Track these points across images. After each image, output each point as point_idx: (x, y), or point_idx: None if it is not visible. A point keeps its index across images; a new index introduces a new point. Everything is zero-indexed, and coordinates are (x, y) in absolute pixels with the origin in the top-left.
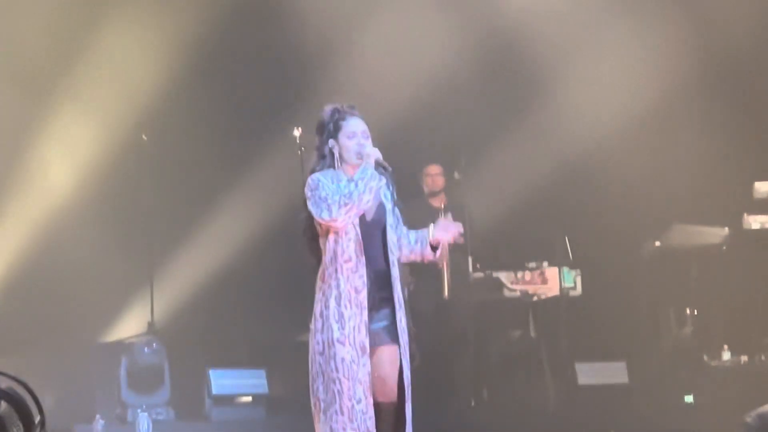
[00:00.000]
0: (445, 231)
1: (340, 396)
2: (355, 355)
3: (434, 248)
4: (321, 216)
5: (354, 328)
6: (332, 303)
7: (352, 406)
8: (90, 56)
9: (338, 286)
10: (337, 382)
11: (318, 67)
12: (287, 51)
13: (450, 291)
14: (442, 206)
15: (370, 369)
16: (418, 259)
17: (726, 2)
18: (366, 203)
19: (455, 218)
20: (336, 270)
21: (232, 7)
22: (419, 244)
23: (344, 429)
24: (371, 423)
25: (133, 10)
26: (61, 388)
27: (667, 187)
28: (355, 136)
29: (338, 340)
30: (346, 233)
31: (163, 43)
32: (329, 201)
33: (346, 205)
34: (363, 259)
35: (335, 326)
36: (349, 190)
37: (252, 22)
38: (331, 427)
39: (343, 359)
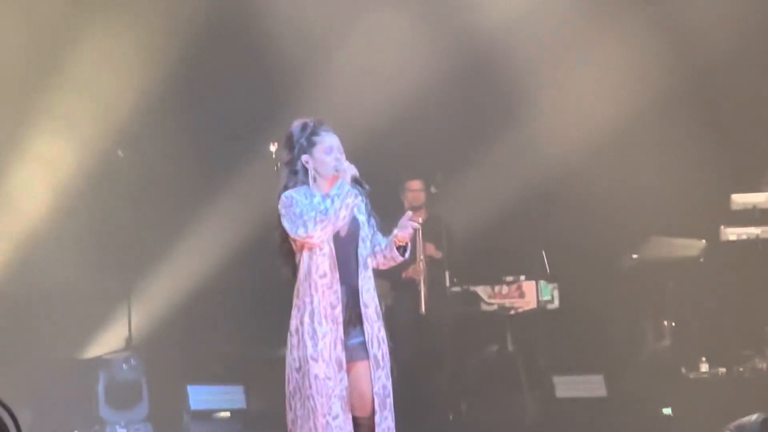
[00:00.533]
0: (404, 227)
1: (313, 413)
2: (330, 371)
3: (401, 249)
4: (297, 233)
5: (330, 343)
6: (306, 319)
7: (327, 422)
8: (66, 73)
9: (312, 302)
10: (310, 399)
11: (294, 82)
12: (262, 66)
13: (427, 306)
14: (421, 221)
15: (347, 384)
16: (392, 263)
17: (704, 16)
18: (342, 219)
19: (432, 232)
20: (310, 286)
21: (207, 23)
22: (388, 248)
23: None
24: None
25: (109, 27)
26: (39, 405)
27: (644, 199)
28: (332, 151)
29: (311, 357)
30: (321, 249)
31: (139, 59)
32: (305, 217)
33: (322, 221)
34: (337, 275)
35: (309, 343)
36: (325, 207)
37: (228, 37)
38: None
39: (316, 376)
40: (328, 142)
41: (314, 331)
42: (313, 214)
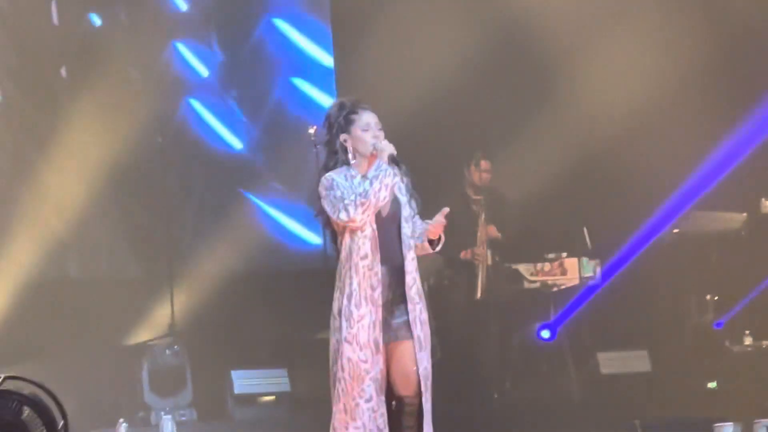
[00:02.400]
0: (438, 221)
1: (344, 395)
2: (365, 353)
3: (433, 243)
4: (339, 217)
5: (368, 326)
6: (344, 301)
7: (356, 405)
8: (101, 62)
9: (351, 284)
10: (342, 381)
11: (336, 64)
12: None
13: (483, 290)
14: (483, 201)
15: (383, 366)
16: (424, 252)
17: None
18: (383, 200)
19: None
20: (351, 268)
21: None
22: (421, 238)
23: (346, 428)
24: (382, 421)
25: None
26: (84, 393)
27: (685, 173)
28: (370, 128)
29: (345, 339)
30: (362, 231)
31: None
32: (346, 201)
33: (362, 204)
34: (378, 256)
35: (345, 325)
36: (364, 189)
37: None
38: (333, 426)
39: (349, 359)
40: (365, 119)
41: (350, 313)
42: (353, 197)
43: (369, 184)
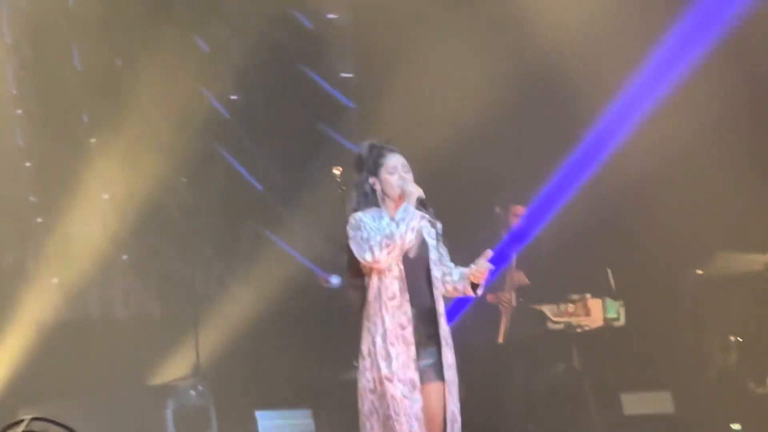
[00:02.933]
0: (482, 265)
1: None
2: (406, 391)
3: (474, 286)
4: (364, 257)
5: (402, 364)
6: (378, 340)
7: None
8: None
9: (383, 323)
10: (390, 419)
11: (359, 102)
12: (328, 84)
13: (506, 336)
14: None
15: (422, 405)
16: (460, 295)
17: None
18: (408, 243)
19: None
20: (380, 307)
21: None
22: (462, 282)
23: None
24: None
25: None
26: None
27: (709, 214)
28: (396, 171)
29: (386, 378)
30: (390, 270)
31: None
32: (371, 242)
33: (388, 246)
34: (407, 296)
35: (383, 363)
36: (390, 231)
37: (292, 55)
38: None
39: (393, 396)
40: (393, 162)
41: (387, 352)
42: (379, 238)
43: (396, 226)
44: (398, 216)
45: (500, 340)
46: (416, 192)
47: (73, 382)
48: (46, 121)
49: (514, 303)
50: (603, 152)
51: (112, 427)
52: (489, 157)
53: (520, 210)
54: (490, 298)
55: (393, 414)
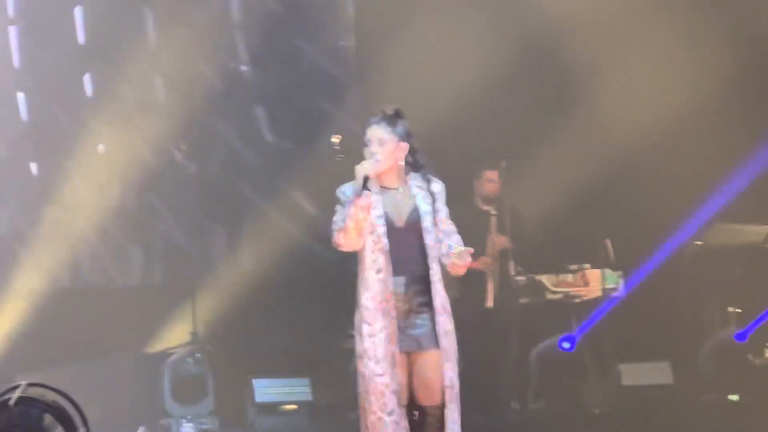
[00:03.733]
0: (459, 260)
1: (365, 411)
2: (382, 367)
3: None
4: (332, 240)
5: (384, 339)
6: (357, 316)
7: (378, 419)
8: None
9: (362, 298)
10: (360, 396)
11: (359, 74)
12: (326, 56)
13: (494, 300)
14: (494, 213)
15: (402, 378)
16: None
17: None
18: (363, 220)
19: (506, 224)
20: (363, 282)
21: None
22: (447, 258)
23: None
24: None
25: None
26: (105, 401)
27: (708, 185)
28: (370, 144)
29: (359, 355)
30: (375, 243)
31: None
32: (334, 226)
33: (341, 230)
34: (390, 269)
35: (358, 341)
36: (344, 214)
37: (291, 28)
38: None
39: (362, 374)
40: (368, 134)
41: (362, 328)
42: (337, 223)
43: (346, 209)
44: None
45: (489, 304)
46: (361, 170)
47: (70, 350)
48: (47, 88)
49: (499, 267)
50: (601, 122)
51: (109, 395)
52: (489, 125)
53: (492, 174)
54: (473, 264)
55: (363, 392)
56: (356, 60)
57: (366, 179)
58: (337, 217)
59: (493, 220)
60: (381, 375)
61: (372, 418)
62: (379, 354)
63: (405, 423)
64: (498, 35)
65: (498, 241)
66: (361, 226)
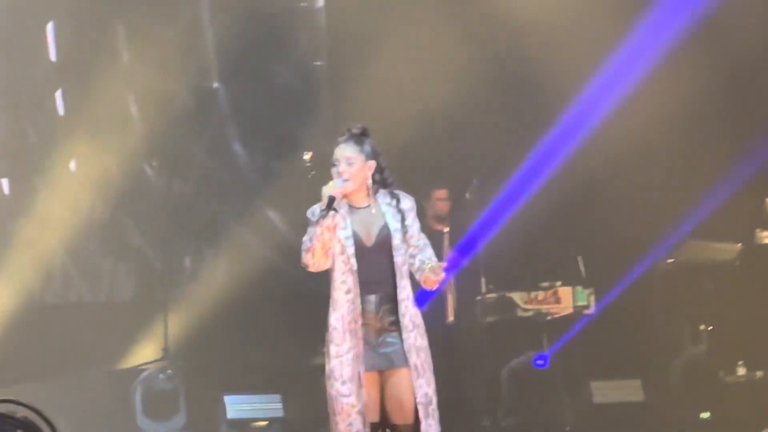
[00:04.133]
0: (433, 276)
1: (333, 430)
2: (348, 388)
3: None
4: (301, 261)
5: (351, 359)
6: (327, 337)
7: None
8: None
9: (330, 320)
10: (331, 415)
11: (330, 89)
12: (298, 72)
13: (456, 314)
14: (446, 231)
15: (368, 398)
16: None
17: (739, 15)
18: (329, 241)
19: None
20: (334, 301)
21: (240, 30)
22: (419, 273)
23: None
24: None
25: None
26: (77, 416)
27: (679, 203)
28: (337, 164)
29: (327, 376)
30: (345, 263)
31: (174, 57)
32: (303, 246)
33: (307, 250)
34: (358, 290)
35: (326, 360)
36: (310, 234)
37: (265, 43)
38: None
39: (329, 395)
40: (336, 154)
41: (331, 348)
42: (303, 244)
43: (310, 227)
44: (312, 216)
45: (450, 318)
46: (327, 191)
47: (41, 366)
48: (17, 101)
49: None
50: (573, 139)
51: (81, 411)
52: (460, 143)
53: (441, 193)
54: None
55: (331, 413)
56: (329, 78)
57: (331, 199)
58: (305, 238)
59: (446, 237)
60: (347, 396)
61: None
62: (346, 375)
63: None
64: (469, 53)
65: (451, 256)
66: (327, 246)
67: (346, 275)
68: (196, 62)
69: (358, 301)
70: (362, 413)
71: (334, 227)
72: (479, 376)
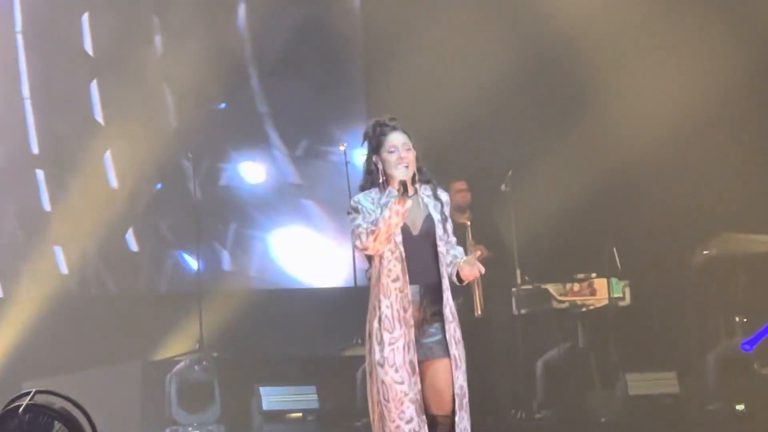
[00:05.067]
0: (471, 269)
1: (383, 419)
2: (401, 375)
3: (459, 278)
4: (354, 244)
5: (402, 347)
6: (375, 324)
7: (398, 426)
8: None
9: (380, 307)
10: (380, 404)
11: (364, 81)
12: (332, 66)
13: (483, 308)
14: (468, 223)
15: (420, 387)
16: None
17: None
18: (396, 226)
19: (481, 233)
20: (380, 290)
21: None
22: (451, 267)
23: None
24: None
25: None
26: (113, 408)
27: (716, 195)
28: (396, 150)
29: (378, 363)
30: (392, 252)
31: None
32: (360, 230)
33: (373, 233)
34: (407, 278)
35: (376, 348)
36: (376, 217)
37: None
38: None
39: (383, 381)
40: (392, 140)
41: (382, 337)
42: (365, 225)
43: (380, 213)
44: (383, 200)
45: (478, 312)
46: (398, 175)
47: (77, 358)
48: (54, 102)
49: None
50: (609, 131)
51: (116, 402)
52: (495, 135)
53: (461, 185)
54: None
55: (383, 400)
56: (363, 69)
57: (404, 185)
58: (360, 222)
59: (469, 231)
60: (400, 383)
61: (391, 426)
62: (398, 362)
63: (425, 431)
64: (506, 44)
65: (477, 249)
66: (391, 231)
67: (393, 263)
68: (233, 54)
69: (407, 289)
70: (414, 401)
71: (405, 213)
72: (513, 369)
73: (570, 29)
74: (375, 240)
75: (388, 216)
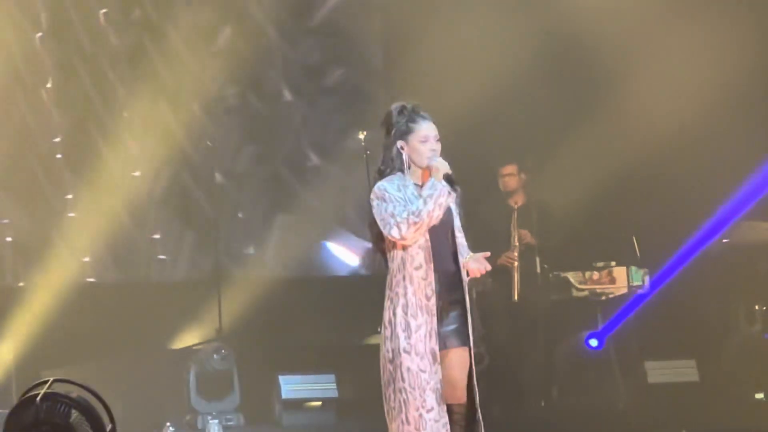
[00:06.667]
0: (477, 265)
1: (406, 405)
2: (424, 363)
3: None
4: (390, 233)
5: (424, 336)
6: (399, 311)
7: (420, 415)
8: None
9: (405, 294)
10: (403, 391)
11: (384, 69)
12: (353, 54)
13: (519, 293)
14: (516, 206)
15: (441, 376)
16: None
17: None
18: (436, 219)
19: (528, 219)
20: (404, 278)
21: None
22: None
23: None
24: (446, 430)
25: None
26: (131, 396)
27: (735, 183)
28: (428, 141)
29: (404, 350)
30: (416, 241)
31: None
32: (398, 219)
33: (415, 224)
34: (432, 265)
35: (402, 335)
36: (417, 208)
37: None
38: None
39: (408, 369)
40: (425, 130)
41: (407, 323)
42: (405, 215)
43: (423, 203)
44: (425, 192)
45: (515, 298)
46: (443, 168)
47: (95, 346)
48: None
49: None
50: (630, 119)
51: (135, 391)
52: (514, 123)
53: (508, 169)
54: (498, 260)
55: (407, 387)
56: (384, 56)
57: (448, 177)
58: (394, 211)
59: (515, 215)
60: (423, 371)
61: (415, 414)
62: (421, 350)
63: (446, 420)
64: (526, 34)
65: (522, 235)
66: (432, 223)
67: (416, 250)
68: (256, 52)
69: (431, 276)
70: (435, 390)
71: (446, 205)
72: (534, 355)
73: (587, 22)
74: (416, 231)
75: (432, 208)
